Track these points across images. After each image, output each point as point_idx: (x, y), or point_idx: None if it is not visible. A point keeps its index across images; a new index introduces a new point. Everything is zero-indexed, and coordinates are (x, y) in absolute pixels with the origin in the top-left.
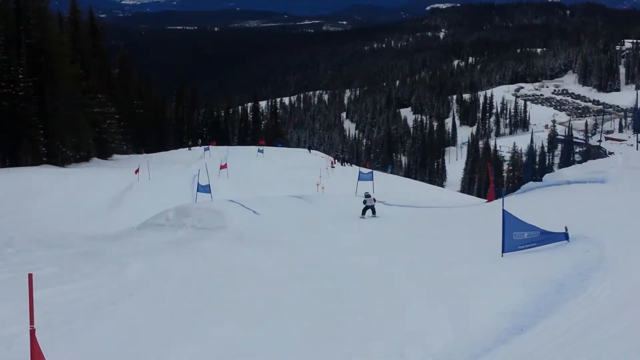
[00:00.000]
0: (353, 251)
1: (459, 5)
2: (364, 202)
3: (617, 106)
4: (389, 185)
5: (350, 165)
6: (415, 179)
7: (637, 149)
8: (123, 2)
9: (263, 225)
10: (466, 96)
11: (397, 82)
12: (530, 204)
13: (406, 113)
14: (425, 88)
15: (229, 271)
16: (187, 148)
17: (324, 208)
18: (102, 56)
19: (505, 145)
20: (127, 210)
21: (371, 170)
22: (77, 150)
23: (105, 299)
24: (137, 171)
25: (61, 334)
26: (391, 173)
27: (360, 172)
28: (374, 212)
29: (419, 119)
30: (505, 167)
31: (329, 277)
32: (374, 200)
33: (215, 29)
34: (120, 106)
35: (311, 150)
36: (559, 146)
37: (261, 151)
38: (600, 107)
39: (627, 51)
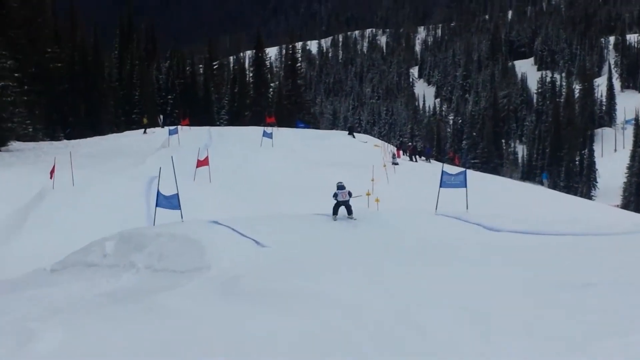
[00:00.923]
0: (434, 313)
1: None
2: (334, 195)
3: None
4: (495, 195)
5: (427, 160)
6: (541, 183)
7: None
8: None
9: (271, 264)
10: (632, 38)
11: (510, 15)
12: None
13: (525, 68)
14: (558, 24)
15: (213, 349)
16: (141, 130)
17: (381, 235)
18: None
19: None
20: (32, 238)
21: (463, 170)
22: None
23: None
24: (52, 171)
25: None
26: (543, 184)
27: (443, 172)
28: (349, 211)
29: (548, 79)
30: None
31: None
32: (350, 193)
33: None
34: (23, 58)
35: (355, 134)
36: None
37: (269, 135)
38: None
39: None
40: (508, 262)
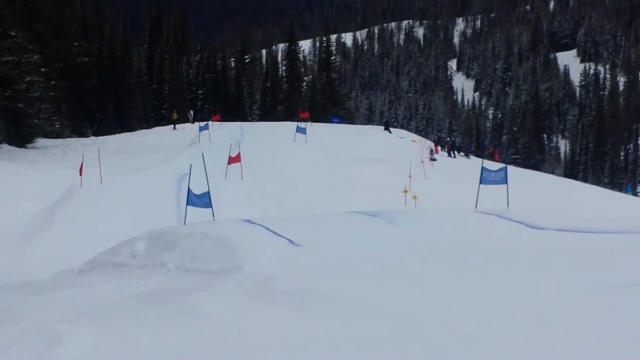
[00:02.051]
0: (480, 318)
1: None
2: None
3: None
4: (537, 192)
5: (466, 155)
6: (585, 179)
7: None
8: None
9: (307, 265)
10: None
11: (552, 4)
12: None
13: (568, 60)
14: (602, 14)
15: (244, 354)
16: (171, 126)
17: (419, 234)
18: None
19: None
20: (60, 238)
21: (503, 166)
22: None
23: None
24: (80, 169)
25: None
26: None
27: (483, 168)
28: None
29: (591, 71)
30: None
31: None
32: None
33: None
34: (50, 53)
35: (392, 130)
36: None
37: (302, 130)
38: None
39: None
40: (554, 263)
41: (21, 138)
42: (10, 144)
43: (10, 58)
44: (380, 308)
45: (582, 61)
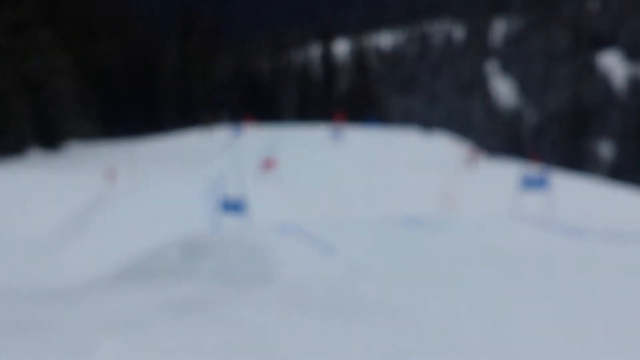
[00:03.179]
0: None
1: None
2: None
3: None
4: (580, 198)
5: (505, 159)
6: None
7: None
8: None
9: (342, 272)
10: None
11: (593, 5)
12: None
13: (610, 61)
14: None
15: None
16: (204, 130)
17: (458, 241)
18: None
19: None
20: (91, 244)
21: (544, 170)
22: (1, 136)
23: None
24: (111, 174)
25: None
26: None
27: (523, 174)
28: None
29: (635, 73)
30: None
31: None
32: None
33: None
34: (79, 55)
35: (429, 132)
36: None
37: (338, 133)
38: None
39: None
40: (595, 270)
41: (50, 142)
42: (40, 148)
43: (38, 61)
44: (415, 318)
45: (624, 62)
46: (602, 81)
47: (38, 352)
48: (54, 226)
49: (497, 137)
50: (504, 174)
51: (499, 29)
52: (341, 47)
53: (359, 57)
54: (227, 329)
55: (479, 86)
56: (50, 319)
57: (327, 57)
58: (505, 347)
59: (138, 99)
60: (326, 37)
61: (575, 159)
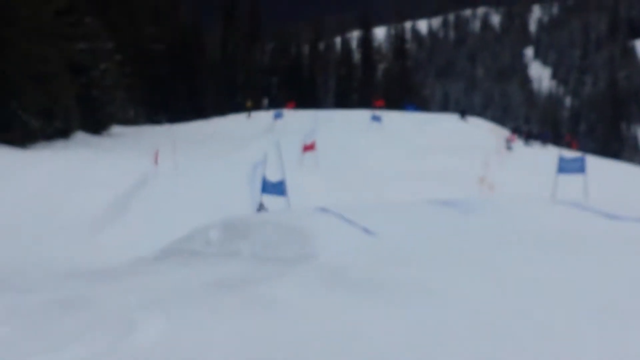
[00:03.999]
0: (557, 311)
1: None
2: None
3: None
4: (616, 182)
5: (543, 144)
6: None
7: None
8: None
9: (381, 254)
10: None
11: None
12: None
13: None
14: None
15: (319, 343)
16: (245, 114)
17: (495, 224)
18: None
19: None
20: (134, 225)
21: (581, 155)
22: (49, 119)
23: None
24: (156, 157)
25: None
26: None
27: (560, 158)
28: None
29: None
30: None
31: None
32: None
33: None
34: (123, 39)
35: (467, 118)
36: None
37: (377, 119)
38: None
39: None
40: (631, 253)
41: (96, 125)
42: (85, 132)
43: (84, 45)
44: (453, 298)
45: None
46: (639, 67)
47: (83, 329)
48: (98, 207)
49: (535, 121)
50: (541, 158)
51: (536, 15)
52: (380, 34)
53: (398, 43)
54: (267, 308)
55: (517, 72)
56: (94, 297)
57: (366, 43)
58: (539, 327)
59: (181, 82)
60: (365, 23)
61: (612, 144)
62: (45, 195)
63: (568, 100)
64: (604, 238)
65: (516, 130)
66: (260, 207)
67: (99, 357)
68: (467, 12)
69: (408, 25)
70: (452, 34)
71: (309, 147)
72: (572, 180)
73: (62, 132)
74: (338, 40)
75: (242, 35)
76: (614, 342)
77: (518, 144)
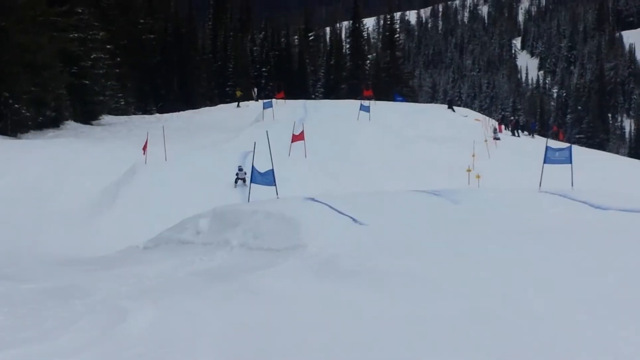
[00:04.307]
0: (545, 300)
1: None
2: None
3: None
4: (602, 172)
5: (530, 135)
6: None
7: None
8: None
9: (370, 243)
10: None
11: None
12: None
13: (634, 38)
14: None
15: (310, 331)
16: (235, 104)
17: (482, 214)
18: None
19: None
20: (125, 214)
21: (568, 145)
22: (40, 108)
23: None
24: (145, 146)
25: None
26: None
27: (547, 148)
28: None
29: None
30: None
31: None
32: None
33: None
34: (115, 29)
35: (455, 108)
36: None
37: (366, 109)
38: None
39: None
40: (617, 243)
41: (87, 115)
42: (76, 121)
43: (76, 35)
44: (443, 286)
45: None
46: (625, 58)
47: (75, 317)
48: (89, 197)
49: (522, 112)
50: (528, 148)
51: (524, 6)
52: (370, 24)
53: (387, 33)
54: (256, 297)
55: (505, 62)
56: (86, 285)
57: (356, 33)
58: (530, 314)
59: (172, 72)
60: (355, 15)
61: (599, 134)
62: (36, 185)
63: (555, 91)
64: (591, 227)
65: (503, 121)
66: (238, 178)
67: (91, 344)
68: (456, 3)
69: (397, 15)
70: (441, 24)
71: (297, 137)
72: (558, 170)
73: (53, 121)
74: (328, 30)
75: (232, 26)
76: (606, 329)
77: (505, 134)
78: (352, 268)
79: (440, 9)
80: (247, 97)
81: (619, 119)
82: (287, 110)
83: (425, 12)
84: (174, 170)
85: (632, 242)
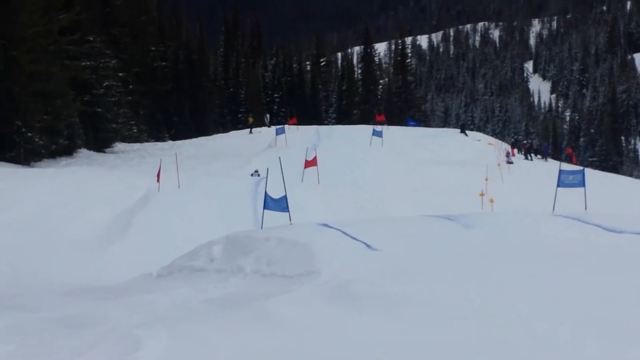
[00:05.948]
0: (556, 324)
1: None
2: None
3: None
4: (616, 195)
5: (543, 158)
6: None
7: None
8: None
9: (383, 269)
10: None
11: (629, 4)
12: None
13: None
14: None
15: (326, 359)
16: (247, 130)
17: (495, 238)
18: None
19: None
20: (138, 242)
21: (581, 168)
22: (52, 137)
23: None
24: (158, 174)
25: None
26: None
27: (560, 171)
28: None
29: None
30: None
31: None
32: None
33: None
34: (127, 57)
35: (468, 132)
36: None
37: (379, 134)
38: None
39: None
40: (631, 266)
41: (99, 142)
42: (89, 149)
43: (88, 63)
44: (455, 312)
45: None
46: (638, 81)
47: (87, 347)
48: (102, 224)
49: (535, 135)
50: (541, 172)
51: (535, 30)
52: (381, 49)
53: (399, 58)
54: (270, 324)
55: (517, 86)
56: (98, 314)
57: (368, 59)
58: (540, 340)
59: (184, 99)
60: (367, 40)
61: (612, 157)
62: (49, 213)
63: (568, 114)
64: (604, 251)
65: (516, 144)
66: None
67: None
68: (467, 27)
69: (409, 40)
70: (452, 48)
71: (310, 163)
72: (572, 194)
73: (66, 150)
74: (339, 56)
75: (244, 53)
76: (615, 354)
77: (518, 157)
78: (365, 294)
79: (452, 34)
80: (260, 123)
81: (632, 141)
82: (300, 136)
83: (436, 37)
84: (187, 197)
85: None
